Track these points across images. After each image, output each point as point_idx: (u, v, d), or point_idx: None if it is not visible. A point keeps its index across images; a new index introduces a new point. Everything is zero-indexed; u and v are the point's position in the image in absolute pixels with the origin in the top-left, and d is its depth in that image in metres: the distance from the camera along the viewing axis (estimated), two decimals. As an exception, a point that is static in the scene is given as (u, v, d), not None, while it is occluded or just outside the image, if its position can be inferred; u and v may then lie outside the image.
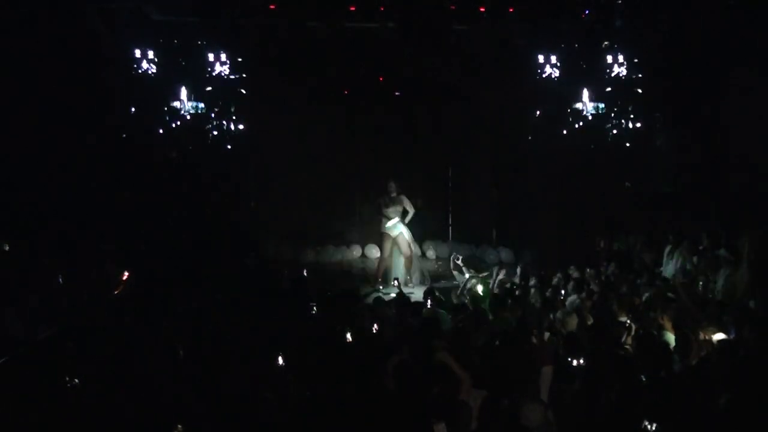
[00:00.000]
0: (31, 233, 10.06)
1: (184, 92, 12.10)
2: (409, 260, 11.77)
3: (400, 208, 11.70)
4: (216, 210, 12.97)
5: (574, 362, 5.65)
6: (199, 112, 12.26)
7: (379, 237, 11.94)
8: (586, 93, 12.31)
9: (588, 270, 9.95)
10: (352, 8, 11.74)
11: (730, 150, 11.05)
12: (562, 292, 8.96)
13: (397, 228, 11.63)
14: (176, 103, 12.11)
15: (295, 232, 14.26)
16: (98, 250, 10.20)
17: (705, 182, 11.35)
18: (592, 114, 12.49)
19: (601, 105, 12.49)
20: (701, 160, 11.44)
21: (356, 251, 14.19)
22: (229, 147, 13.29)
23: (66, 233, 10.46)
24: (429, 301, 8.45)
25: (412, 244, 11.77)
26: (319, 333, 6.80)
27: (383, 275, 11.86)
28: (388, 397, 5.13)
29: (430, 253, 14.11)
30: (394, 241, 11.68)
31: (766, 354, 5.81)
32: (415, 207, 11.91)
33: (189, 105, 12.12)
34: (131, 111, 12.08)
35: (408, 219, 11.74)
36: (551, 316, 7.72)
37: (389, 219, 11.56)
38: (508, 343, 6.02)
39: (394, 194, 11.69)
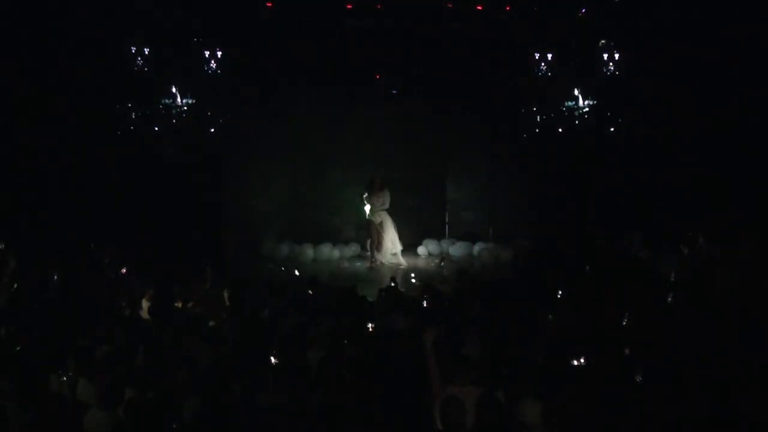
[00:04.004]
0: (27, 232, 10.07)
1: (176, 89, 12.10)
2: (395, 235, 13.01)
3: (381, 200, 12.80)
4: (212, 207, 13.00)
5: (572, 360, 5.65)
6: (192, 107, 12.24)
7: (366, 225, 13.04)
8: (582, 90, 12.33)
9: (586, 267, 9.95)
10: (349, 6, 11.75)
11: (728, 148, 11.05)
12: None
13: (378, 215, 12.83)
14: (169, 100, 12.11)
15: (292, 230, 14.26)
16: (96, 249, 10.20)
17: (702, 180, 11.36)
18: (587, 111, 12.51)
19: (596, 102, 12.53)
20: (699, 158, 11.45)
21: (353, 248, 14.16)
22: (223, 144, 13.27)
23: (62, 232, 10.47)
24: (426, 298, 8.45)
25: (394, 229, 13.06)
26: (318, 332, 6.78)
27: (373, 252, 13.00)
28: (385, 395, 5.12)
29: (422, 250, 14.10)
30: (378, 228, 12.82)
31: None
32: (409, 208, 13.67)
33: (183, 102, 12.11)
34: (126, 108, 12.05)
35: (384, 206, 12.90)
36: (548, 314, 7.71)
37: (369, 207, 12.82)
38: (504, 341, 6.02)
39: (377, 188, 12.80)
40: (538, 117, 13.41)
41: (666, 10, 10.92)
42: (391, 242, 13.10)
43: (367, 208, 12.87)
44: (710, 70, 10.93)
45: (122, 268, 9.75)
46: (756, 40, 10.02)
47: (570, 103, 12.70)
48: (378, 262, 12.96)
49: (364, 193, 12.87)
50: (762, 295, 7.72)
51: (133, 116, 12.16)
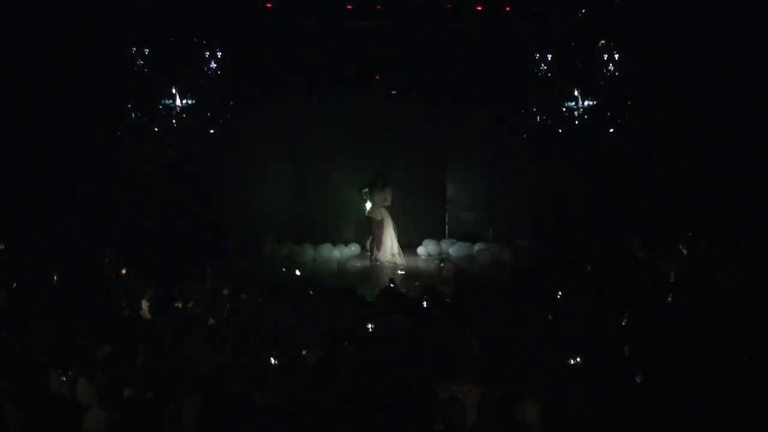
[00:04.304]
0: (27, 232, 10.08)
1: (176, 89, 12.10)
2: (376, 240, 13.14)
3: (382, 198, 12.95)
4: (212, 207, 13.02)
5: (572, 360, 5.66)
6: (191, 108, 12.24)
7: (367, 222, 13.16)
8: (582, 91, 12.34)
9: (586, 267, 9.94)
10: (349, 6, 11.76)
11: (728, 148, 11.06)
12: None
13: (379, 213, 12.96)
14: (169, 101, 12.12)
15: (292, 230, 14.26)
16: (96, 249, 10.20)
17: (703, 181, 11.37)
18: (587, 112, 12.51)
19: (596, 102, 12.53)
20: (699, 159, 11.46)
21: (353, 249, 14.14)
22: (223, 144, 13.28)
23: (63, 232, 10.48)
24: (425, 298, 8.44)
25: (394, 228, 13.23)
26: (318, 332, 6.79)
27: (373, 249, 13.18)
28: (385, 395, 5.12)
29: (422, 251, 14.10)
30: (379, 225, 12.95)
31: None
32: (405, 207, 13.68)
33: (182, 102, 12.11)
34: (126, 109, 12.06)
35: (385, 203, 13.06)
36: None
37: (371, 205, 12.98)
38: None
39: (378, 186, 12.93)
40: (538, 117, 13.40)
41: (665, 11, 10.92)
42: (391, 241, 13.20)
43: (368, 204, 12.96)
44: (710, 71, 10.94)
45: (122, 268, 9.75)
46: (756, 41, 10.03)
47: (570, 104, 12.70)
48: (378, 261, 13.00)
49: (364, 189, 12.98)
50: (762, 295, 7.73)
51: (133, 116, 12.17)
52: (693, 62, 11.12)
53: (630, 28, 11.59)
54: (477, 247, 13.94)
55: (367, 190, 12.97)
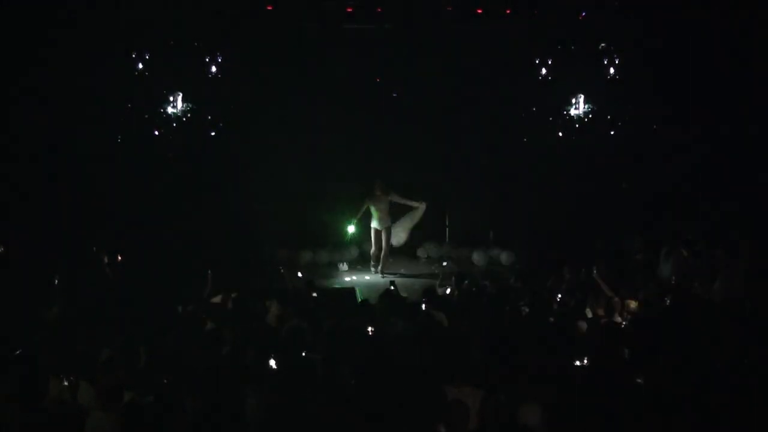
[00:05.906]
0: (28, 235, 10.09)
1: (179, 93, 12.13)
2: (382, 251, 12.72)
3: (384, 206, 12.52)
4: (213, 211, 13.02)
5: (573, 362, 5.66)
6: (192, 111, 12.27)
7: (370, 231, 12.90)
8: (582, 93, 12.37)
9: (583, 271, 9.93)
10: (349, 9, 11.79)
11: (728, 150, 11.08)
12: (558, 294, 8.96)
13: (382, 222, 12.57)
14: (170, 105, 12.15)
15: (292, 233, 14.24)
16: (95, 251, 10.21)
17: (702, 183, 11.39)
18: (587, 114, 12.54)
19: (597, 106, 12.55)
20: (699, 161, 11.47)
21: (354, 251, 14.14)
22: (223, 148, 13.30)
23: (62, 234, 10.49)
24: (425, 302, 8.42)
25: (399, 235, 12.94)
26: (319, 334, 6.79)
27: (378, 260, 12.91)
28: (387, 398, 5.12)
29: (422, 253, 14.10)
30: (381, 234, 12.63)
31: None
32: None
33: (183, 106, 12.15)
34: (128, 112, 12.09)
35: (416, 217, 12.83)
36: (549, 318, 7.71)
37: (376, 215, 12.55)
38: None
39: (378, 193, 12.47)
40: (539, 120, 13.42)
41: (665, 13, 10.95)
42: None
43: (351, 228, 12.71)
44: (711, 72, 10.96)
45: (122, 269, 9.76)
46: (756, 42, 10.05)
47: (570, 107, 12.72)
48: (384, 273, 12.71)
49: (354, 218, 12.68)
50: (762, 298, 7.74)
51: (134, 119, 12.20)
52: (693, 63, 11.15)
53: (629, 29, 11.62)
54: (477, 249, 13.94)
55: (367, 205, 12.57)
